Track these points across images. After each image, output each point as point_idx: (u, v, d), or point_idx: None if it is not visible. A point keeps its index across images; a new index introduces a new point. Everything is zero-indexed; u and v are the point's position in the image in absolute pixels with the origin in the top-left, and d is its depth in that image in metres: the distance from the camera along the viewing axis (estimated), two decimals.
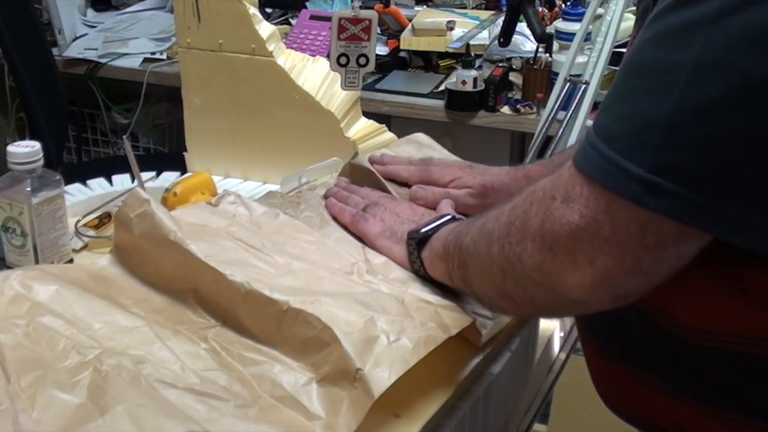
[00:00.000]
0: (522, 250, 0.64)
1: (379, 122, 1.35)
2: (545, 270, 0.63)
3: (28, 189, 0.93)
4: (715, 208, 0.55)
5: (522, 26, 2.14)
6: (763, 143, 0.53)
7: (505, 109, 2.10)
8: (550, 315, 0.76)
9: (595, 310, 0.67)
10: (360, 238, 0.91)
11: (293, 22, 2.49)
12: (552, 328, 1.11)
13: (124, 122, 2.66)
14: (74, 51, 2.51)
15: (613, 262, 0.59)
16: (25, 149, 0.93)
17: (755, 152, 0.54)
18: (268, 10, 2.58)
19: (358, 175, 1.05)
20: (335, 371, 0.68)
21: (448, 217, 0.86)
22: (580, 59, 1.82)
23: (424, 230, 0.83)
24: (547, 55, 2.09)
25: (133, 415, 0.62)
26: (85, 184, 1.28)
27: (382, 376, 0.67)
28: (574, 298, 0.63)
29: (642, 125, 0.57)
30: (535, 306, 0.68)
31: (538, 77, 2.08)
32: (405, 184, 1.03)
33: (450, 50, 2.27)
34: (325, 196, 1.00)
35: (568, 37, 2.00)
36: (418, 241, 0.83)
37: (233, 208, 0.92)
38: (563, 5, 2.32)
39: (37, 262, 0.95)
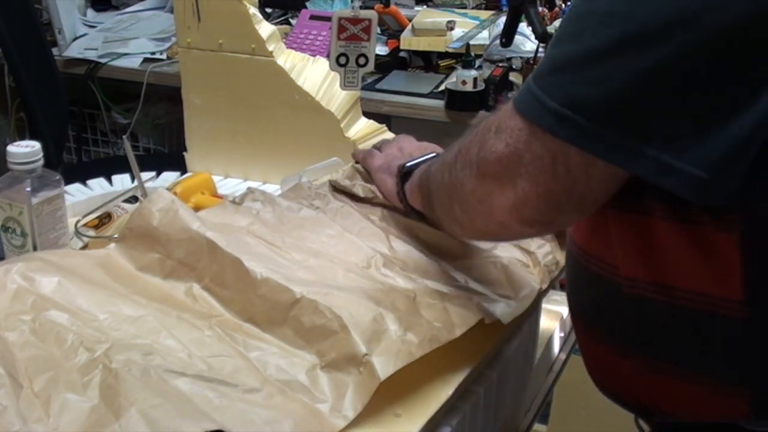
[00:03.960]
0: (464, 176, 0.71)
1: (379, 122, 1.35)
2: (478, 194, 0.69)
3: (28, 189, 0.93)
4: (612, 138, 0.61)
5: (522, 26, 2.13)
6: (654, 82, 0.59)
7: None
8: (489, 239, 0.84)
9: (520, 235, 0.79)
10: (383, 228, 0.93)
11: (293, 22, 2.49)
12: (552, 328, 1.12)
13: (124, 122, 2.66)
14: (74, 51, 2.51)
15: (530, 187, 0.65)
16: (25, 149, 0.93)
17: (648, 90, 0.60)
18: (268, 10, 2.58)
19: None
20: (341, 358, 0.70)
21: (434, 155, 0.89)
22: None
23: (409, 164, 0.91)
24: None
25: (148, 418, 0.62)
26: (85, 184, 1.28)
27: (388, 362, 0.68)
28: (500, 219, 0.69)
29: (560, 64, 0.64)
30: (476, 229, 0.75)
31: None
32: None
33: (450, 50, 2.27)
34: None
35: None
36: (402, 175, 0.91)
37: (257, 206, 0.94)
38: (563, 5, 2.32)
39: None
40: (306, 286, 0.76)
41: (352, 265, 0.84)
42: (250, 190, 0.97)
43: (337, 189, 1.01)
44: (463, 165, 0.71)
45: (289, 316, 0.74)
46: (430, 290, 0.81)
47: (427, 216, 0.88)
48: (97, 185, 1.29)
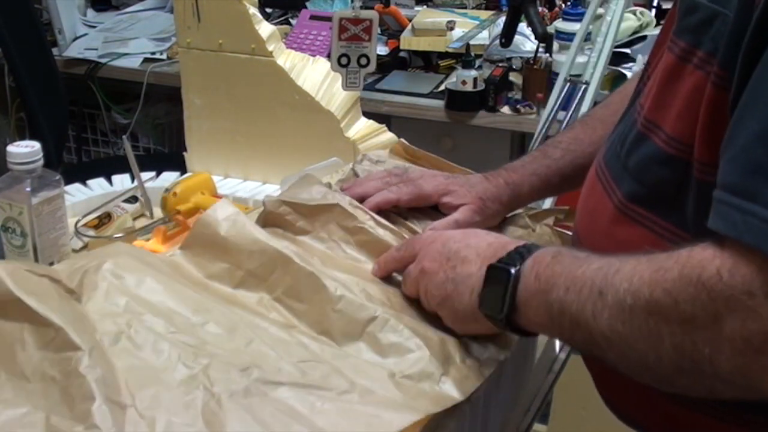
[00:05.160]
0: (713, 351, 0.58)
1: (379, 122, 1.35)
2: (747, 373, 0.58)
3: (28, 189, 0.93)
4: None
5: (522, 26, 2.14)
6: None
7: (505, 109, 2.10)
8: (717, 397, 0.67)
9: None
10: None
11: (293, 22, 2.49)
12: None
13: (124, 122, 2.66)
14: (74, 51, 2.51)
15: None
16: (25, 149, 0.93)
17: None
18: (268, 10, 2.58)
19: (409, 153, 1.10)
20: (417, 373, 0.72)
21: (512, 271, 0.71)
22: (580, 59, 1.82)
23: (505, 309, 0.70)
24: (547, 55, 2.09)
25: None
26: (85, 184, 1.28)
27: (462, 383, 0.73)
28: None
29: None
30: (711, 392, 0.63)
31: (538, 77, 2.08)
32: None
33: (450, 50, 2.27)
34: None
35: (568, 37, 2.00)
36: (506, 321, 0.71)
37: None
38: (563, 5, 2.32)
39: (36, 262, 0.95)
40: (380, 305, 0.78)
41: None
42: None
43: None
44: (709, 339, 0.58)
45: (365, 332, 0.75)
46: None
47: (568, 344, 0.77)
48: (97, 185, 1.28)
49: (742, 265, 0.56)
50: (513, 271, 0.70)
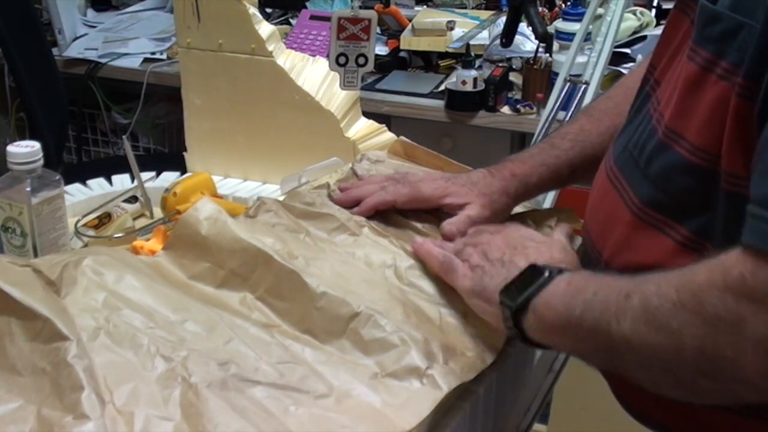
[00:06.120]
0: (737, 354, 0.59)
1: (379, 122, 1.35)
2: None
3: (28, 189, 0.93)
4: None
5: (522, 26, 2.14)
6: None
7: (505, 109, 2.10)
8: (730, 403, 0.69)
9: None
10: (392, 240, 0.90)
11: (293, 22, 2.49)
12: None
13: (124, 122, 2.66)
14: (74, 51, 2.51)
15: None
16: (25, 149, 0.93)
17: None
18: (268, 10, 2.58)
19: (408, 152, 1.09)
20: (402, 369, 0.72)
21: (546, 273, 0.73)
22: (580, 59, 1.82)
23: (521, 298, 0.73)
24: (547, 55, 2.09)
25: None
26: (85, 184, 1.28)
27: (449, 376, 0.72)
28: None
29: None
30: (734, 396, 0.64)
31: (538, 77, 2.08)
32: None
33: (450, 50, 2.27)
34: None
35: (568, 37, 2.00)
36: (514, 311, 0.73)
37: (270, 217, 0.91)
38: (563, 5, 2.32)
39: None
40: (363, 302, 0.77)
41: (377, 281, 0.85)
42: (261, 201, 0.94)
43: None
44: (733, 342, 0.59)
45: (348, 328, 0.75)
46: (451, 314, 0.82)
47: (584, 359, 0.73)
48: (97, 185, 1.29)
49: (766, 269, 0.57)
50: (547, 273, 0.73)
